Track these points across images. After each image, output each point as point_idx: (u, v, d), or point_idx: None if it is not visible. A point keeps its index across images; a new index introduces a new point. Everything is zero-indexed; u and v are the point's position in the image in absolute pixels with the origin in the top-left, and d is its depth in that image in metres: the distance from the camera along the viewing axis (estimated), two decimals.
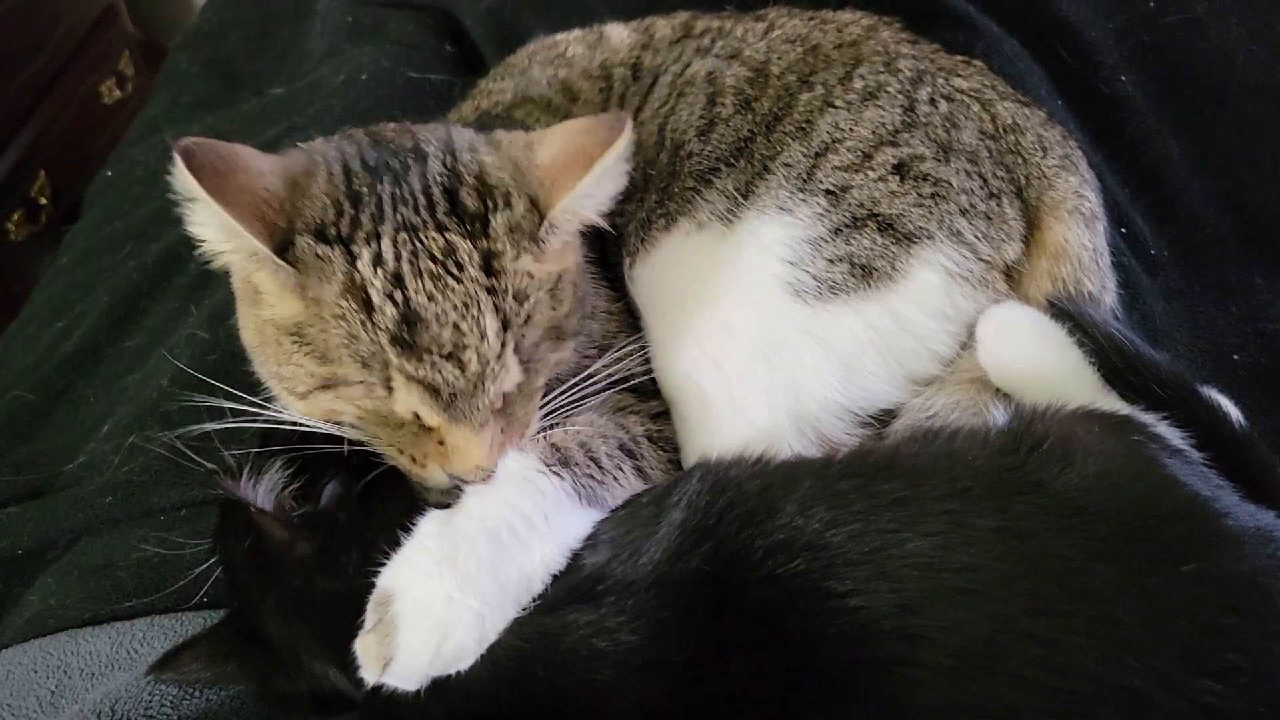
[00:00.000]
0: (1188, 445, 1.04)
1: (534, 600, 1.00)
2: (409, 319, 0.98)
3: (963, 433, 1.05)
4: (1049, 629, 0.87)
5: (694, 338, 1.24)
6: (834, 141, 1.23)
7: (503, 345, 1.01)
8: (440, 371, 0.98)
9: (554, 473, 1.07)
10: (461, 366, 0.99)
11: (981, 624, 0.88)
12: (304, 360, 1.02)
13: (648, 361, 1.29)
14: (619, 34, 1.49)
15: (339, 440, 1.06)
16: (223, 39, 2.27)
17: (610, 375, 1.24)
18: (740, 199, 1.23)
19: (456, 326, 0.99)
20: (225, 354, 1.35)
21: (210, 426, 1.12)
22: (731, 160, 1.26)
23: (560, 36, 1.54)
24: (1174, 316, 1.44)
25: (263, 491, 0.99)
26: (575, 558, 1.03)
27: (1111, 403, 1.10)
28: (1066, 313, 1.16)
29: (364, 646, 0.96)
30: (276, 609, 1.01)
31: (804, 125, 1.25)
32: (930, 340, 1.21)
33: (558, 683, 0.96)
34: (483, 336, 0.99)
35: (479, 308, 0.99)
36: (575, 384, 1.18)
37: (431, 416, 1.02)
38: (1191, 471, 0.99)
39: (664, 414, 1.26)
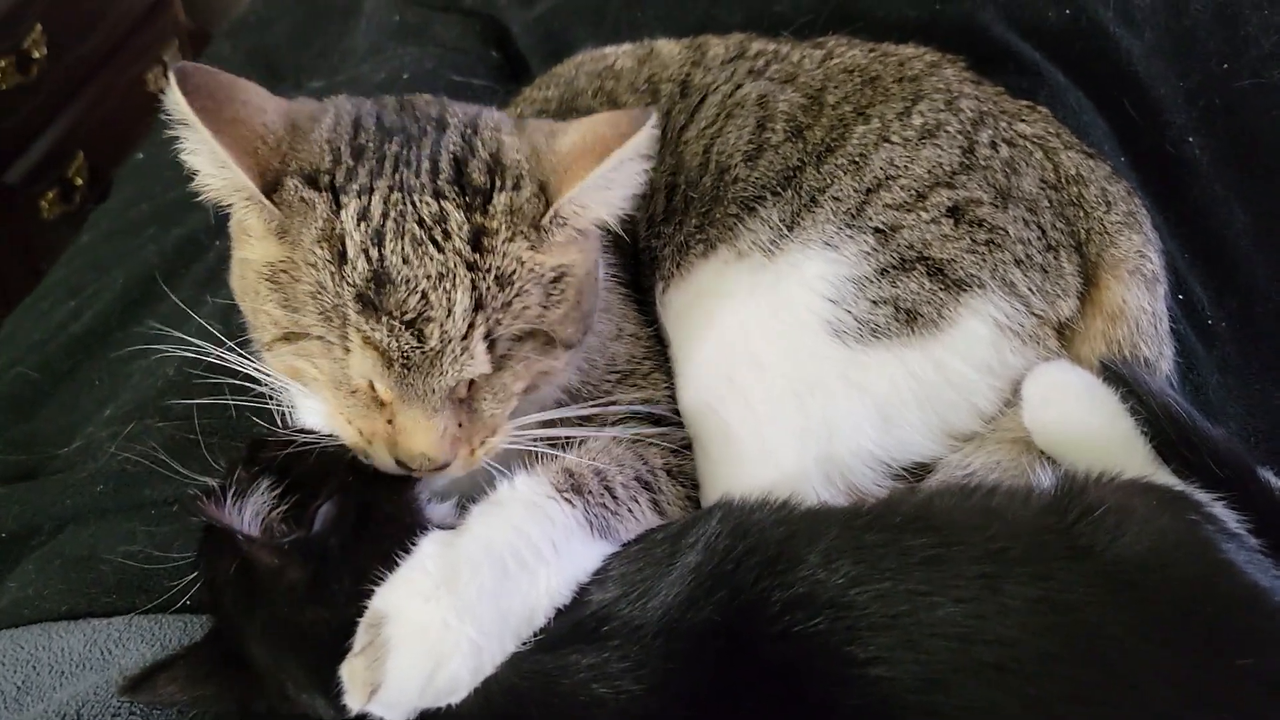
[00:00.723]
0: (1243, 530, 0.97)
1: (535, 634, 0.94)
2: (379, 278, 0.93)
3: (1003, 489, 0.99)
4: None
5: (724, 370, 1.19)
6: (887, 178, 1.17)
7: (470, 327, 0.94)
8: (397, 338, 0.92)
9: (565, 499, 1.02)
10: (421, 338, 0.92)
11: (1013, 706, 0.81)
12: (272, 307, 0.97)
13: (672, 391, 1.23)
14: (670, 49, 1.43)
15: (337, 454, 1.01)
16: (267, 30, 2.24)
17: (632, 403, 1.18)
18: (785, 230, 1.17)
19: (425, 295, 0.93)
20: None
21: (235, 403, 1.08)
22: (778, 189, 1.20)
23: (609, 49, 1.48)
24: (1229, 391, 1.36)
25: (249, 515, 0.93)
26: (582, 592, 0.97)
27: (1164, 477, 1.03)
28: (1120, 377, 1.09)
29: (351, 670, 0.90)
30: (262, 634, 0.94)
31: (857, 159, 1.19)
32: (973, 394, 1.15)
33: None
34: (449, 312, 0.93)
35: (453, 281, 0.93)
36: (592, 407, 1.12)
37: (384, 388, 0.96)
38: (1249, 558, 0.92)
39: (686, 448, 1.20)
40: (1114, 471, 0.97)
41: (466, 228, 0.95)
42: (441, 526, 1.01)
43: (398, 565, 0.94)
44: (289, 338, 0.98)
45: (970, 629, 0.84)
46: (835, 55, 1.33)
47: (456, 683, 0.90)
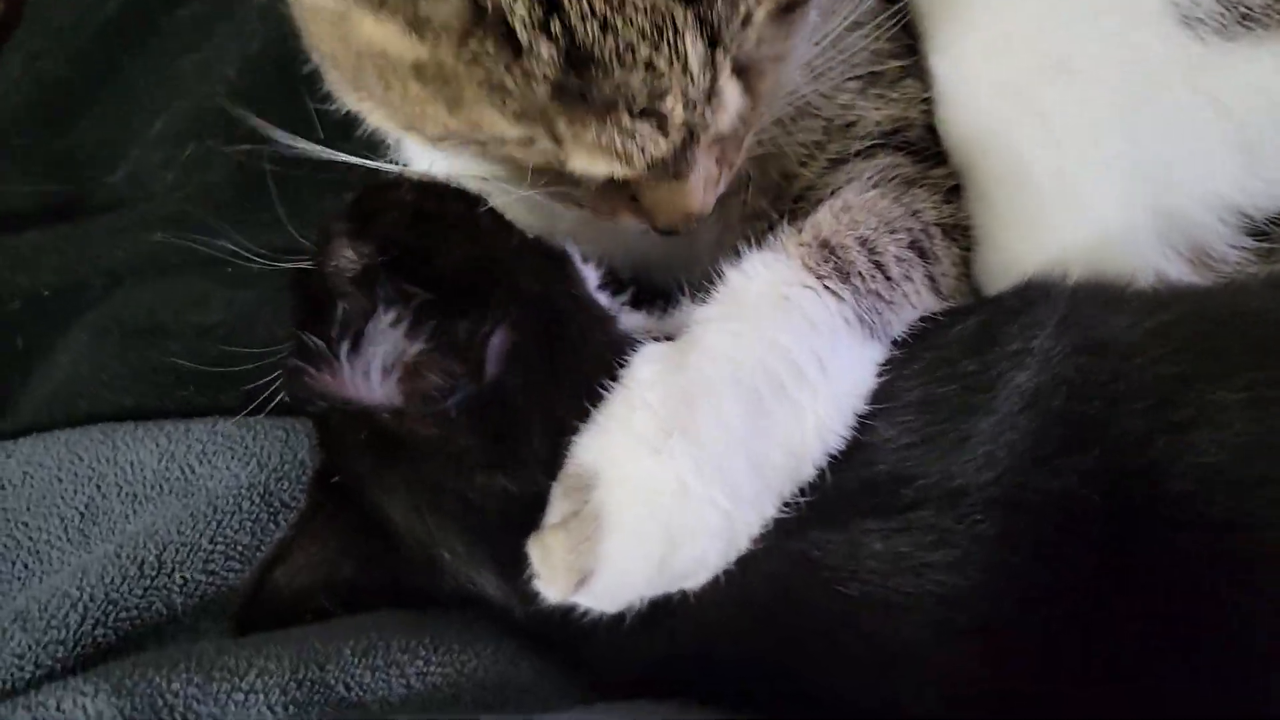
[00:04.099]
0: None
1: (802, 494, 0.65)
2: (574, 59, 0.60)
3: None
4: None
5: (1012, 76, 0.83)
6: None
7: (713, 72, 0.63)
8: (634, 136, 0.64)
9: (828, 289, 0.71)
10: (662, 124, 0.64)
11: None
12: (428, 105, 0.66)
13: (929, 108, 0.88)
14: None
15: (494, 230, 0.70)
16: None
17: (879, 125, 0.85)
18: None
19: (649, 63, 0.61)
20: None
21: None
22: None
23: None
24: None
25: (378, 373, 0.62)
26: (861, 430, 0.68)
27: None
28: None
29: (546, 550, 0.63)
30: (408, 500, 0.66)
31: None
32: None
33: (834, 634, 0.63)
34: (685, 68, 0.62)
35: (674, 24, 0.61)
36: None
37: (623, 175, 0.67)
38: None
39: (955, 189, 0.86)
40: None
41: None
42: (637, 335, 0.71)
43: (604, 399, 0.65)
44: (468, 141, 0.69)
45: None
46: None
47: (700, 565, 0.64)
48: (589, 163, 0.66)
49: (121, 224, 1.02)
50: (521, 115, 0.63)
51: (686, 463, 0.62)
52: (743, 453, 0.64)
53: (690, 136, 0.66)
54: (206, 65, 1.10)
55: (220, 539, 0.77)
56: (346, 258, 0.66)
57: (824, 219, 0.75)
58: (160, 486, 0.81)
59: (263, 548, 0.77)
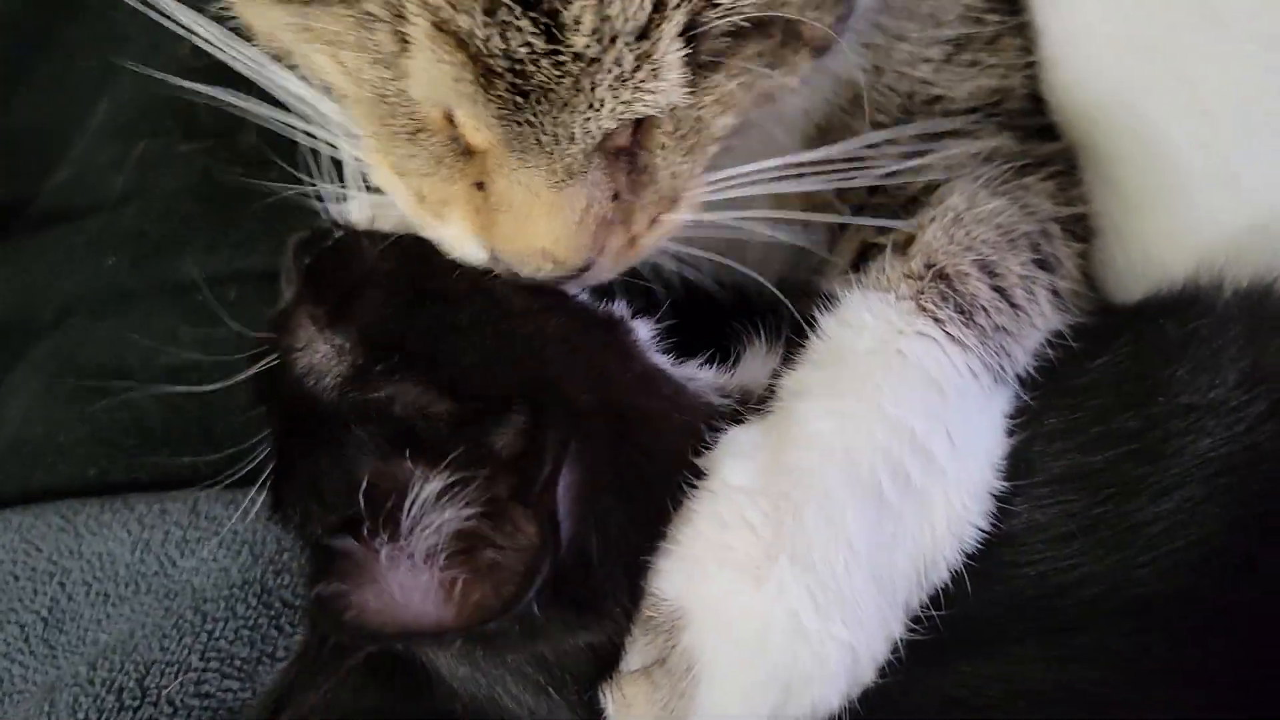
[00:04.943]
0: None
1: (934, 604, 0.52)
2: None
3: None
4: None
5: (1143, 29, 0.68)
6: None
7: (656, 7, 0.45)
8: (505, 28, 0.45)
9: (950, 336, 0.56)
10: (556, 29, 0.45)
11: None
12: None
13: (1034, 73, 0.72)
14: None
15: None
16: None
17: (972, 96, 0.70)
18: None
19: None
20: None
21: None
22: None
23: None
24: None
25: (423, 568, 0.46)
26: (1001, 516, 0.54)
27: None
28: None
29: (625, 703, 0.50)
30: (460, 648, 0.52)
31: None
32: None
33: None
34: None
35: None
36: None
37: (475, 123, 0.50)
38: None
39: (1065, 172, 0.71)
40: None
41: None
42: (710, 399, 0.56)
43: (686, 508, 0.51)
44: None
45: None
46: None
47: (817, 713, 0.50)
48: (432, 63, 0.46)
49: (69, 243, 0.86)
50: None
51: (798, 593, 0.49)
52: (864, 568, 0.51)
53: (592, 87, 0.47)
54: (158, 36, 0.93)
55: (213, 653, 0.64)
56: (322, 354, 0.51)
57: (933, 238, 0.61)
58: (135, 584, 0.68)
59: (264, 661, 0.64)
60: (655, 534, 0.51)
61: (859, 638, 0.51)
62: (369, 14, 0.47)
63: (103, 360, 0.80)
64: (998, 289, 0.60)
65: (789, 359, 0.58)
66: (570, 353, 0.54)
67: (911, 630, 0.52)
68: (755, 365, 0.61)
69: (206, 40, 0.61)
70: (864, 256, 0.65)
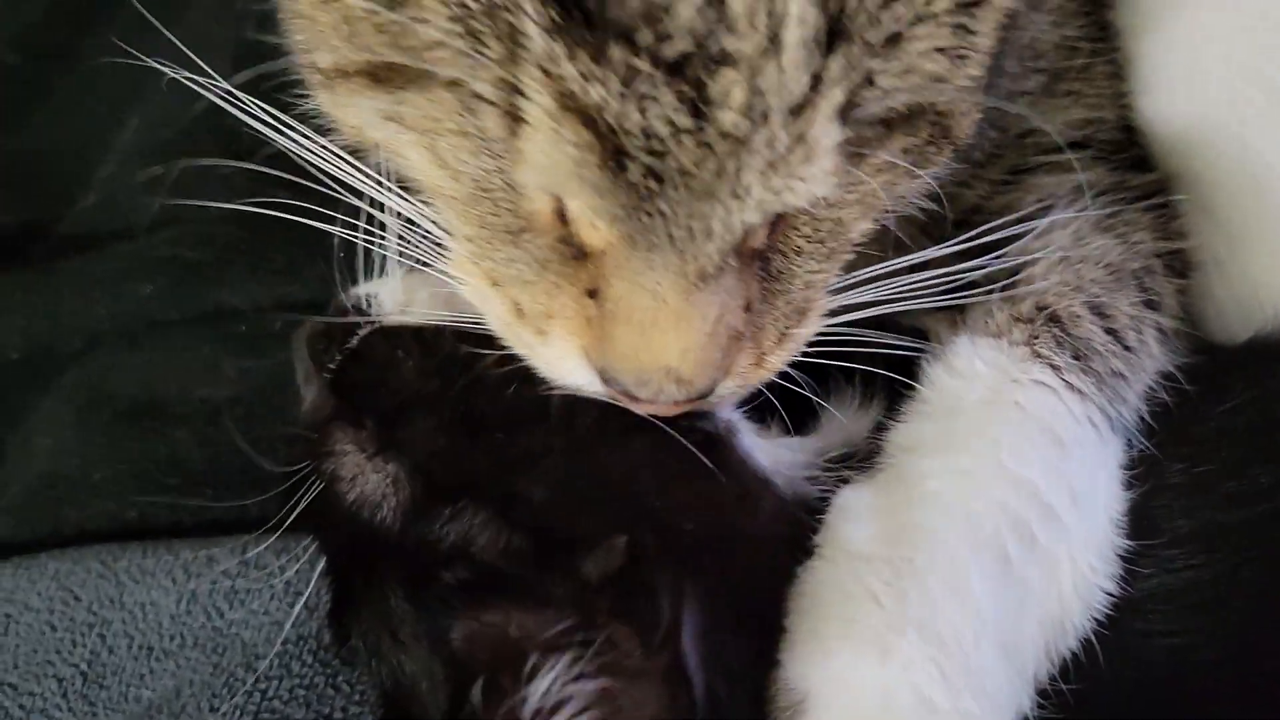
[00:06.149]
0: None
1: (1063, 676, 0.49)
2: None
3: None
4: None
5: (1250, 53, 0.64)
6: None
7: (815, 82, 0.40)
8: (644, 100, 0.39)
9: (1068, 384, 0.53)
10: (703, 103, 0.39)
11: None
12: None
13: (1126, 100, 0.69)
14: None
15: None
16: None
17: (1067, 128, 0.67)
18: None
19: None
20: None
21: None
22: None
23: None
24: None
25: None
26: (1126, 578, 0.51)
27: None
28: None
29: None
30: None
31: None
32: None
33: None
34: (774, 39, 0.39)
35: None
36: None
37: (597, 216, 0.43)
38: None
39: (1163, 205, 0.68)
40: None
41: None
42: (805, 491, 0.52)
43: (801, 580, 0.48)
44: (378, 75, 0.46)
45: None
46: None
47: None
48: (553, 144, 0.40)
49: (99, 270, 0.82)
50: (474, 30, 0.39)
51: (927, 669, 0.46)
52: (992, 637, 0.47)
53: (734, 173, 0.41)
54: (191, 47, 0.89)
55: (266, 714, 0.60)
56: (374, 484, 0.47)
57: (1041, 279, 0.57)
58: (180, 637, 0.64)
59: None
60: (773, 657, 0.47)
61: (988, 713, 0.47)
62: (476, 95, 0.42)
63: (135, 392, 0.76)
64: (1110, 330, 0.57)
65: (892, 410, 0.54)
66: (668, 477, 0.49)
67: (1041, 707, 0.48)
68: (849, 419, 0.56)
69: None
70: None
